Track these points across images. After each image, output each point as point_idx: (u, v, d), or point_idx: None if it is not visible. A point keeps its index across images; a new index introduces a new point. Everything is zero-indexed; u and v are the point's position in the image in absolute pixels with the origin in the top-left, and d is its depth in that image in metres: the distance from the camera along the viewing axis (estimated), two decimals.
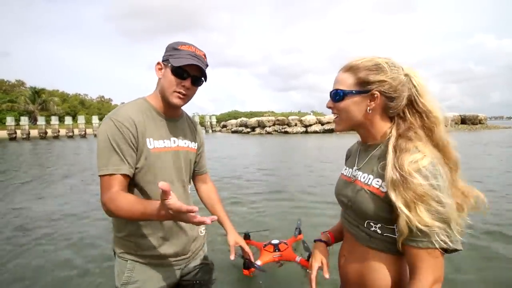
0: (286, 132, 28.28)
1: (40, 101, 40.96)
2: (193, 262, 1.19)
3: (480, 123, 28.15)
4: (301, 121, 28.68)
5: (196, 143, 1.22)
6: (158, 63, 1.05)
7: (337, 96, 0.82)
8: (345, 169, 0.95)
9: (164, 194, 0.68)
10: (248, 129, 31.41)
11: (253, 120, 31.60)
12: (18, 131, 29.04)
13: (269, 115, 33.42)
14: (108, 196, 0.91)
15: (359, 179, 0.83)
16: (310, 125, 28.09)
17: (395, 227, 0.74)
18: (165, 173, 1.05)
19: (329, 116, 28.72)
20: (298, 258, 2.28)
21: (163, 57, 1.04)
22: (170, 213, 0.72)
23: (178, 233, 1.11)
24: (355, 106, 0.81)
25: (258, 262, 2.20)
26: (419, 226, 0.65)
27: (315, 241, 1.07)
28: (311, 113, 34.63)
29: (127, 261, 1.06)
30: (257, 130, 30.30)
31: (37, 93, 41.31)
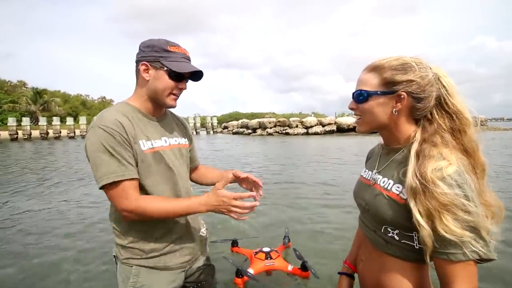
0: (287, 134, 28.26)
1: (41, 102, 41.05)
2: (196, 263, 1.19)
3: (480, 124, 27.99)
4: (302, 122, 28.66)
5: (186, 138, 1.21)
6: (144, 64, 1.00)
7: (361, 96, 0.78)
8: (365, 171, 0.91)
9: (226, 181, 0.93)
10: (249, 131, 31.40)
11: (254, 122, 31.57)
12: (20, 132, 29.09)
13: (270, 116, 33.41)
14: (134, 204, 0.92)
15: (378, 183, 0.80)
16: (311, 126, 28.05)
17: (414, 234, 0.71)
18: (162, 173, 1.04)
19: (330, 117, 28.70)
20: (290, 267, 2.20)
21: (148, 57, 0.99)
22: (221, 202, 0.90)
23: (182, 236, 1.10)
24: (380, 108, 0.76)
25: (251, 271, 2.11)
26: (447, 235, 0.61)
27: (339, 273, 1.03)
28: (312, 115, 34.62)
29: (132, 266, 1.04)
30: (258, 131, 30.29)
31: (38, 93, 41.41)
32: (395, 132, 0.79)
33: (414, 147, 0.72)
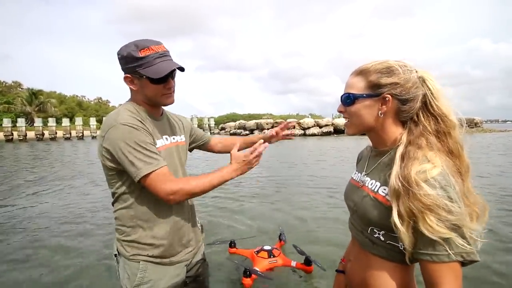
0: None
1: (37, 103, 40.75)
2: (195, 257, 1.21)
3: (476, 126, 28.40)
4: (299, 123, 28.75)
5: (183, 134, 1.24)
6: (127, 76, 1.02)
7: (348, 100, 0.81)
8: (355, 173, 0.94)
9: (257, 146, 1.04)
10: (247, 132, 31.42)
11: (251, 123, 31.61)
12: (15, 133, 28.81)
13: (268, 118, 33.48)
14: (176, 185, 0.97)
15: (366, 185, 0.82)
16: (309, 127, 28.15)
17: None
18: (170, 169, 1.06)
19: (327, 119, 28.81)
20: (293, 263, 2.23)
21: (126, 69, 1.01)
22: (242, 162, 1.02)
23: (184, 229, 1.13)
24: (366, 110, 0.79)
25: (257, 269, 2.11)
26: (430, 236, 0.62)
27: (336, 271, 1.06)
28: (309, 116, 34.74)
29: (139, 262, 1.06)
30: (256, 132, 30.32)
31: (34, 94, 41.10)
32: (382, 134, 0.81)
33: (400, 149, 0.73)
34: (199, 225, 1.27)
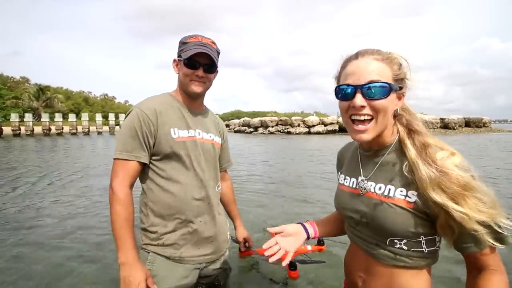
0: (289, 133, 28.22)
1: (44, 98, 41.29)
2: (213, 264, 1.18)
3: (484, 126, 27.94)
4: (304, 121, 28.61)
5: (220, 137, 1.26)
6: (174, 60, 1.13)
7: (382, 90, 0.64)
8: (345, 179, 0.82)
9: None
10: (251, 129, 31.39)
11: (256, 120, 31.55)
12: (22, 128, 29.21)
13: (272, 115, 33.39)
14: (118, 189, 0.98)
15: (372, 191, 0.72)
16: (313, 125, 28.00)
17: (421, 238, 0.67)
18: (193, 161, 1.09)
19: (332, 117, 28.61)
20: (309, 247, 2.29)
21: (177, 53, 1.12)
22: (132, 278, 0.92)
23: (203, 229, 1.11)
24: (391, 106, 0.67)
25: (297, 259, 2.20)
26: (477, 216, 0.58)
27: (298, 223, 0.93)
28: (314, 114, 34.56)
29: (148, 253, 1.07)
30: (260, 130, 30.27)
31: (41, 90, 41.63)
32: (384, 132, 0.72)
33: (406, 138, 0.69)
34: (227, 231, 1.25)
